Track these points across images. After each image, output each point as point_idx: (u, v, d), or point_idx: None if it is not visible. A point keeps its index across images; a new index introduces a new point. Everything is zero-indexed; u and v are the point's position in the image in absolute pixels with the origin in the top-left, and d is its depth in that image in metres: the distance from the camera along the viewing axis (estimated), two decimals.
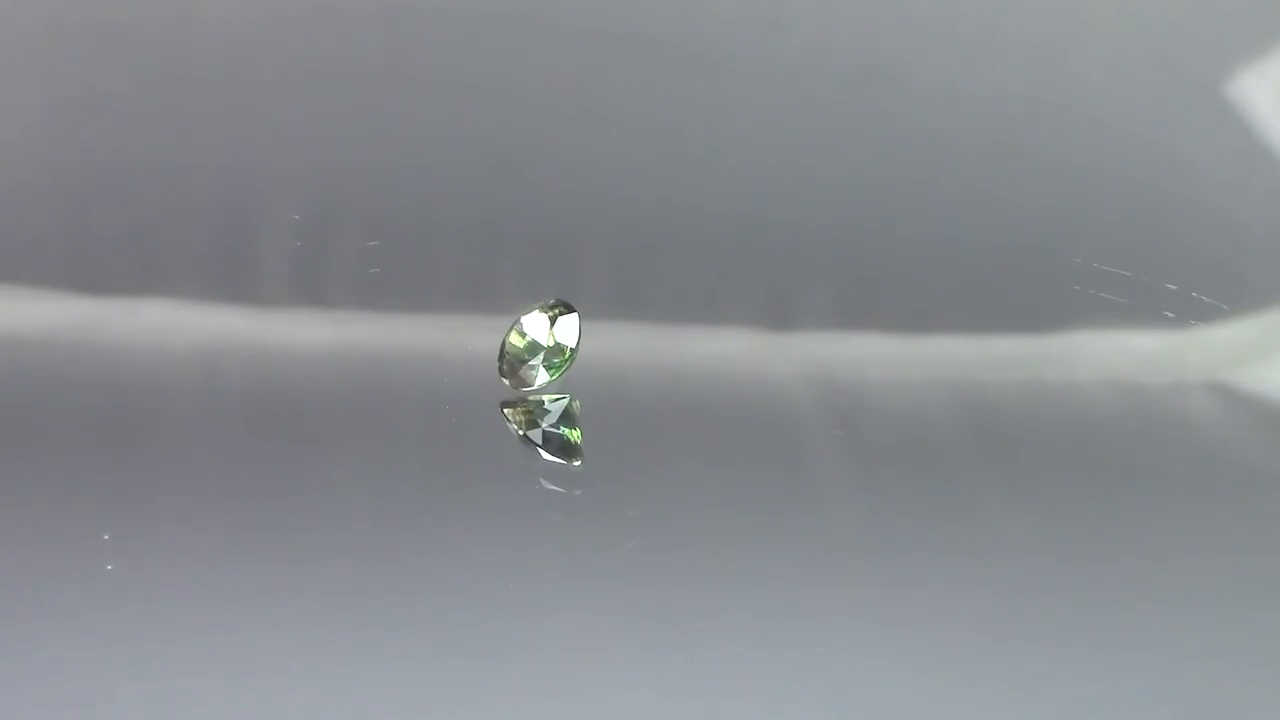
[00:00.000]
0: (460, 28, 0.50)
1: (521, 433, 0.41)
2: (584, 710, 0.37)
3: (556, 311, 0.42)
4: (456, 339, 0.45)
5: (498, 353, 0.42)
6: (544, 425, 0.41)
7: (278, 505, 0.40)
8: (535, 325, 0.42)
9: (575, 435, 0.41)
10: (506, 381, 0.42)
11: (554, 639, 0.37)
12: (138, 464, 0.40)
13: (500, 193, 0.48)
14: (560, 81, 0.50)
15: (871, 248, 0.48)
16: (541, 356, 0.42)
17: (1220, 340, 0.47)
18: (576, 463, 0.41)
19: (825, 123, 0.50)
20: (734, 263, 0.47)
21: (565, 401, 0.42)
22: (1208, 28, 0.54)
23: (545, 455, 0.41)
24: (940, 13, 0.53)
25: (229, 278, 0.45)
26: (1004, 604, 0.39)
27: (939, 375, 0.46)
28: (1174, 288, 0.48)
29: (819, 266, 0.48)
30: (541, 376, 0.42)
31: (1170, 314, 0.48)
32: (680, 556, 0.39)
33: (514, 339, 0.42)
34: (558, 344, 0.42)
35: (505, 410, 0.42)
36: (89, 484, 0.40)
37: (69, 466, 0.40)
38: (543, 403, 0.42)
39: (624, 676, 0.37)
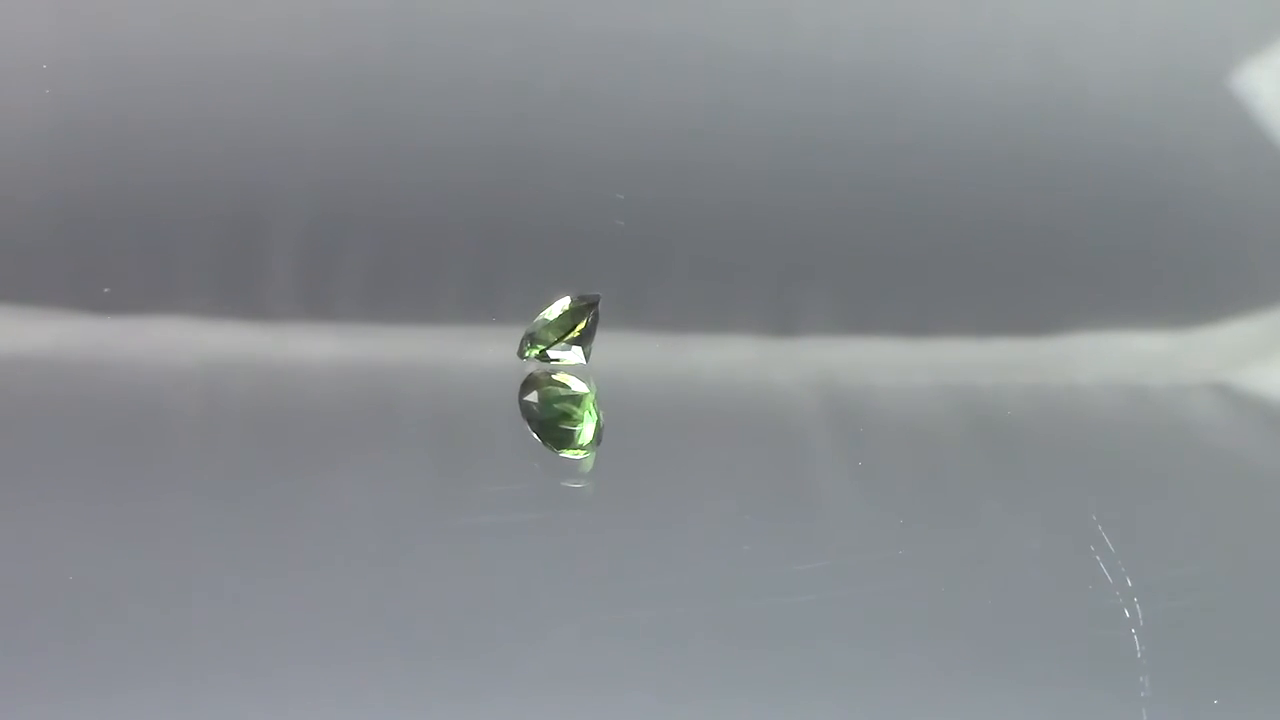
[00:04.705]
0: (462, 30, 0.50)
1: (526, 406, 0.42)
2: (586, 711, 0.38)
3: (575, 303, 0.43)
4: (465, 350, 0.45)
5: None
6: (548, 412, 0.42)
7: (285, 519, 0.41)
8: (557, 307, 0.43)
9: (584, 425, 0.42)
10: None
11: (557, 643, 0.39)
12: (145, 481, 0.41)
13: (504, 198, 0.48)
14: (563, 84, 0.50)
15: (874, 251, 0.48)
16: (539, 333, 0.43)
17: (1223, 340, 0.48)
18: (579, 455, 0.42)
19: (828, 125, 0.50)
20: (737, 268, 0.47)
21: (587, 391, 0.43)
22: (1211, 21, 0.53)
23: (539, 440, 0.42)
24: (942, 9, 0.52)
25: (234, 293, 0.45)
26: (1006, 606, 0.40)
27: (942, 379, 0.46)
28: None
29: (821, 271, 0.48)
30: (530, 351, 0.43)
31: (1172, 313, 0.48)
32: (684, 561, 0.41)
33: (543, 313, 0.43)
34: (549, 324, 0.43)
35: (522, 389, 0.43)
36: (97, 502, 0.41)
37: (76, 485, 0.41)
38: (565, 387, 0.43)
39: (625, 678, 0.39)
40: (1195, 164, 0.51)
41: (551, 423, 0.42)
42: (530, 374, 0.43)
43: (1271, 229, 0.50)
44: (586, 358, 0.43)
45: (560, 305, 0.43)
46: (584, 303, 0.43)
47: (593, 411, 0.42)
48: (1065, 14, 0.53)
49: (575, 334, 0.43)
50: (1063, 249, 0.49)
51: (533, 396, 0.42)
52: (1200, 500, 0.44)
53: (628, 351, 0.45)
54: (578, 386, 0.43)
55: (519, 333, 0.43)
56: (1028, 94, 0.51)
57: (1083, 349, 0.47)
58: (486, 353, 0.45)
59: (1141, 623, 0.40)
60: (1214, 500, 0.44)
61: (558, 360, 0.43)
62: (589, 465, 0.42)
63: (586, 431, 0.42)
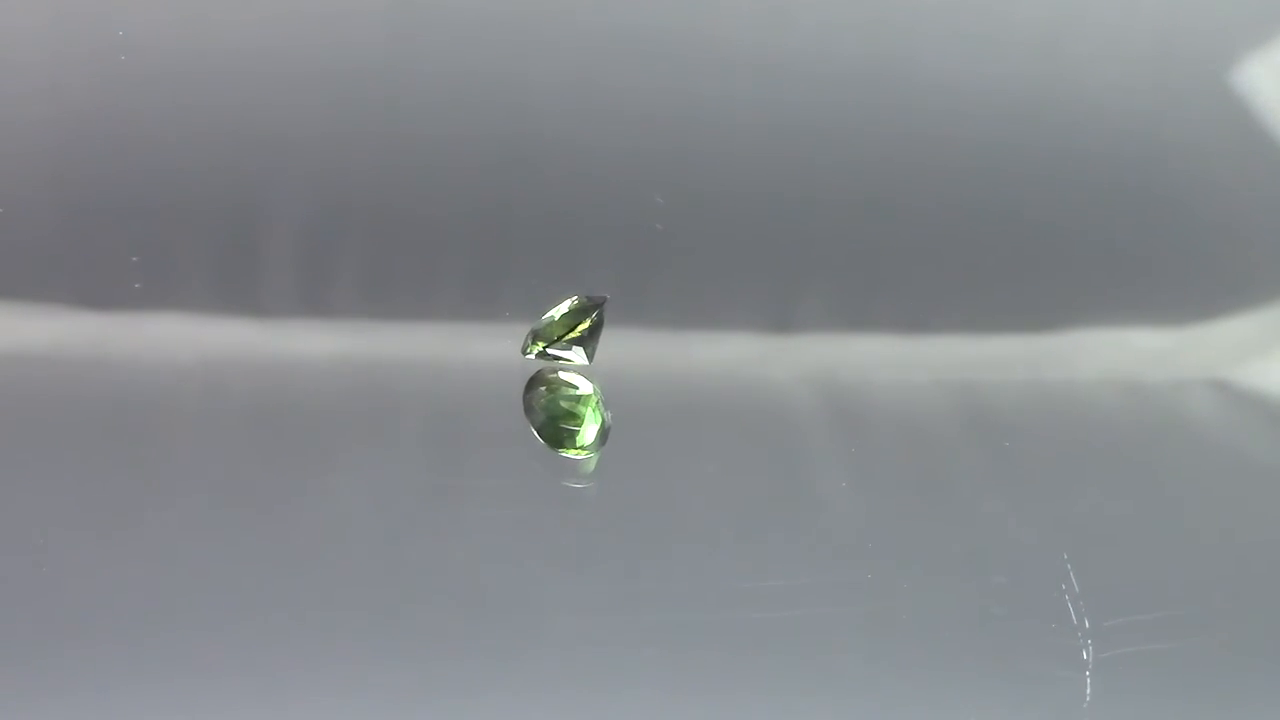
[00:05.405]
0: (462, 27, 0.50)
1: (530, 403, 0.42)
2: (586, 711, 0.38)
3: (582, 303, 0.43)
4: (464, 346, 0.46)
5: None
6: (553, 410, 0.43)
7: (285, 515, 0.41)
8: (564, 306, 0.43)
9: (587, 426, 0.42)
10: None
11: (558, 642, 0.39)
12: (145, 478, 0.42)
13: (501, 195, 0.48)
14: (563, 78, 0.50)
15: (872, 247, 0.48)
16: (543, 330, 0.43)
17: (1221, 337, 0.48)
18: (580, 455, 0.42)
19: (826, 120, 0.50)
20: (735, 265, 0.48)
21: (592, 392, 0.43)
22: (1211, 16, 0.53)
23: (540, 439, 0.42)
24: (942, 4, 0.52)
25: (233, 289, 0.45)
26: (1005, 604, 0.41)
27: (941, 375, 0.46)
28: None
29: (820, 267, 0.48)
30: (533, 348, 0.43)
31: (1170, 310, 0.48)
32: (683, 559, 0.41)
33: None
34: (554, 322, 0.43)
35: (527, 386, 0.43)
36: (96, 499, 0.41)
37: (76, 482, 0.41)
38: (573, 387, 0.43)
39: (624, 676, 0.39)
40: (1194, 160, 0.51)
41: (554, 421, 0.42)
42: (537, 371, 0.43)
43: (1270, 226, 0.50)
44: (590, 358, 0.43)
45: (567, 304, 0.43)
46: (590, 303, 0.43)
47: (597, 412, 0.42)
48: (1065, 9, 0.53)
49: (578, 333, 0.43)
50: (1061, 245, 0.49)
51: (538, 394, 0.43)
52: (1198, 497, 0.44)
53: (626, 348, 0.45)
54: (585, 387, 0.43)
55: (519, 331, 0.44)
56: (1027, 89, 0.51)
57: (1081, 345, 0.47)
58: (487, 349, 0.45)
59: (1091, 667, 0.40)
60: (1212, 496, 0.44)
61: (560, 358, 0.43)
62: (591, 466, 0.42)
63: (588, 433, 0.42)
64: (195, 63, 0.48)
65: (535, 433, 0.42)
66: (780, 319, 0.47)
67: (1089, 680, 0.39)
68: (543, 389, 0.43)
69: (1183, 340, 0.48)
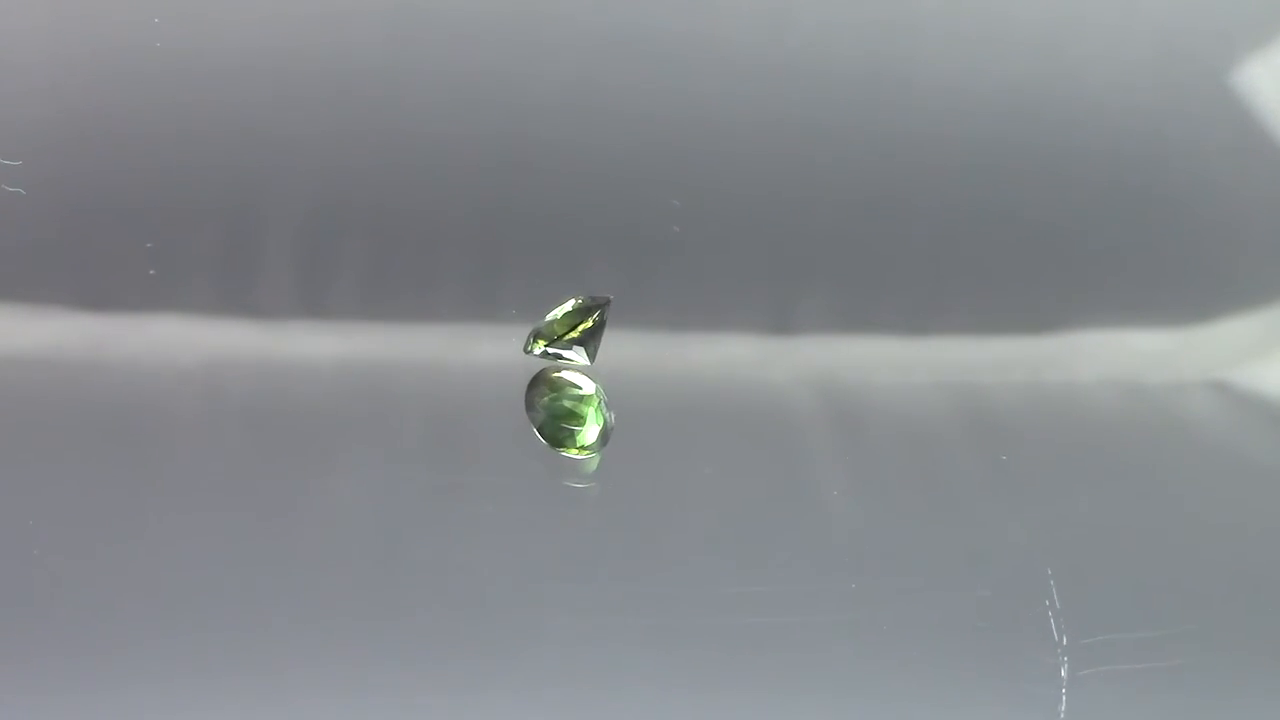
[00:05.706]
0: (461, 28, 0.50)
1: (533, 402, 0.42)
2: (586, 711, 0.38)
3: (583, 302, 0.43)
4: (465, 347, 0.46)
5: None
6: (555, 409, 0.42)
7: (285, 517, 0.41)
8: (568, 305, 0.43)
9: (589, 427, 0.42)
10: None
11: (557, 642, 0.39)
12: (145, 480, 0.42)
13: (501, 195, 0.48)
14: (563, 79, 0.50)
15: (872, 248, 0.49)
16: (545, 329, 0.43)
17: (1221, 338, 0.48)
18: (581, 455, 0.42)
19: (826, 121, 0.50)
20: (735, 265, 0.48)
21: (593, 391, 0.43)
22: (1212, 17, 0.53)
23: (541, 438, 0.42)
24: (942, 5, 0.53)
25: (234, 290, 0.45)
26: (1005, 605, 0.41)
27: (941, 377, 0.46)
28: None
29: (820, 268, 0.48)
30: (534, 347, 0.43)
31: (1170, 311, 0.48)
32: (682, 559, 0.41)
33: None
34: (556, 321, 0.43)
35: (530, 385, 0.43)
36: (96, 501, 0.41)
37: (76, 484, 0.41)
38: (576, 387, 0.43)
39: (624, 679, 0.39)
40: (1194, 161, 0.51)
41: (556, 421, 0.42)
42: (541, 370, 0.43)
43: (1270, 227, 0.50)
44: (591, 358, 0.43)
45: (570, 304, 0.44)
46: (593, 303, 0.43)
47: (600, 413, 0.42)
48: (1065, 9, 0.53)
49: (579, 333, 0.43)
50: (1061, 246, 0.49)
51: (540, 393, 0.43)
52: (1198, 498, 0.44)
53: (625, 349, 0.45)
54: (588, 387, 0.43)
55: (519, 331, 0.44)
56: (1027, 90, 0.51)
57: (1081, 347, 0.47)
58: (487, 350, 0.45)
59: (1078, 679, 0.40)
60: (1212, 497, 0.44)
61: (561, 357, 0.43)
62: (594, 466, 0.42)
63: (590, 433, 0.42)
64: (195, 63, 0.48)
65: (536, 432, 0.42)
66: (780, 320, 0.47)
67: (1064, 696, 0.40)
68: (545, 388, 0.43)
69: (1182, 341, 0.48)
